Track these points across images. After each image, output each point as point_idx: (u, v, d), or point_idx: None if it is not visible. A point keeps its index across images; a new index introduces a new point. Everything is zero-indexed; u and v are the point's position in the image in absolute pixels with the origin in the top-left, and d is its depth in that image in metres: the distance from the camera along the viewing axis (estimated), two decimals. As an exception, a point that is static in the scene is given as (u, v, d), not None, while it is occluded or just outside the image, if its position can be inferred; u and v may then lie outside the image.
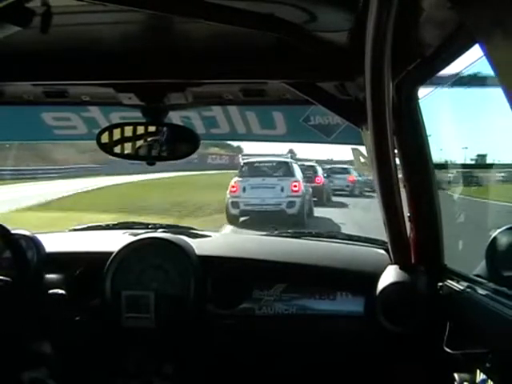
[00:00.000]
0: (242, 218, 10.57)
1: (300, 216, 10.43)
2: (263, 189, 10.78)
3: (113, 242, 1.74)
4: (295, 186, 10.89)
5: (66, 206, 11.31)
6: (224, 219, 10.58)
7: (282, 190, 10.79)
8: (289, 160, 12.02)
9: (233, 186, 11.07)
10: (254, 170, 11.43)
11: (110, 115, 1.87)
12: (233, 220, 10.40)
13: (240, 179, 11.19)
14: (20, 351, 1.60)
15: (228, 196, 10.92)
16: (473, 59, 1.22)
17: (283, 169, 11.38)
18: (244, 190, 10.87)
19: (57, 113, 1.94)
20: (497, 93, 0.77)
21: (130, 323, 1.57)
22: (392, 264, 1.58)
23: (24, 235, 1.73)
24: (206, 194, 13.31)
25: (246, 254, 1.80)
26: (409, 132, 1.41)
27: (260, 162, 11.78)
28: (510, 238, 1.42)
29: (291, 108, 1.85)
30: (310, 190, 12.10)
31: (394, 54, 0.99)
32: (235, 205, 10.70)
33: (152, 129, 1.56)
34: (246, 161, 12.21)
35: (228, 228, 9.87)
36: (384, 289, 1.50)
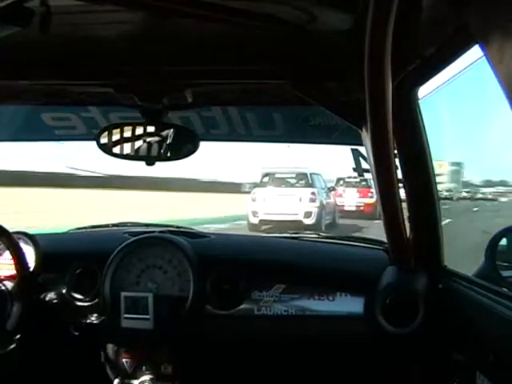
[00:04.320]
0: (262, 227, 10.48)
1: (317, 226, 10.38)
2: (282, 199, 10.98)
3: (112, 242, 1.74)
4: (313, 196, 11.08)
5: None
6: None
7: (300, 200, 10.99)
8: (308, 171, 12.11)
9: (253, 195, 11.43)
10: (273, 180, 11.81)
11: (109, 115, 1.87)
12: (253, 229, 10.41)
13: (260, 189, 11.53)
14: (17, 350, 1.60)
15: (248, 205, 11.25)
16: (473, 59, 1.22)
17: (302, 180, 11.70)
18: (264, 199, 11.15)
19: (56, 113, 1.94)
20: (496, 93, 0.77)
21: (129, 324, 1.56)
22: (391, 265, 1.58)
23: (23, 235, 1.72)
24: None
25: (246, 255, 1.80)
26: (409, 132, 1.41)
27: (280, 173, 12.10)
28: (509, 239, 1.43)
29: (291, 108, 1.85)
30: (333, 200, 12.37)
31: (393, 54, 0.99)
32: (255, 214, 10.97)
33: (151, 129, 1.55)
34: (266, 171, 12.34)
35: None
36: (383, 290, 1.49)
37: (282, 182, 11.88)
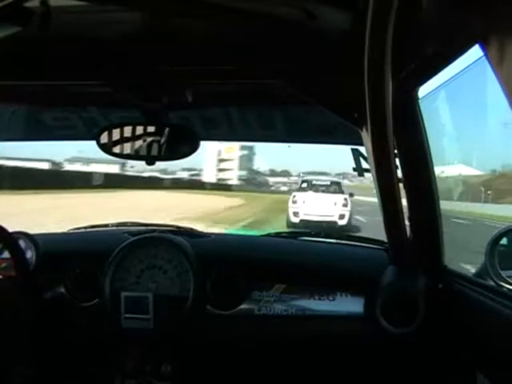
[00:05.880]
0: (299, 225, 11.88)
1: (349, 227, 12.03)
2: (319, 202, 12.77)
3: (112, 242, 1.74)
4: (345, 201, 12.86)
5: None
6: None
7: (335, 204, 12.73)
8: (340, 180, 15.09)
9: (294, 198, 13.16)
10: (311, 186, 13.86)
11: (109, 115, 1.87)
12: (293, 227, 11.24)
13: (300, 193, 13.45)
14: (18, 350, 1.60)
15: (290, 206, 12.96)
16: (473, 59, 1.22)
17: (335, 187, 13.80)
18: (304, 201, 12.86)
19: (56, 113, 1.94)
20: (496, 93, 0.77)
21: (129, 324, 1.57)
22: (392, 265, 1.59)
23: (23, 235, 1.72)
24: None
25: (246, 255, 1.80)
26: (409, 132, 1.41)
27: (317, 180, 14.51)
28: (509, 239, 1.43)
29: (291, 108, 1.85)
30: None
31: (393, 54, 0.99)
32: (296, 214, 12.63)
33: (151, 129, 1.56)
34: (305, 178, 14.92)
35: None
36: (384, 289, 1.50)
37: (318, 187, 13.75)
